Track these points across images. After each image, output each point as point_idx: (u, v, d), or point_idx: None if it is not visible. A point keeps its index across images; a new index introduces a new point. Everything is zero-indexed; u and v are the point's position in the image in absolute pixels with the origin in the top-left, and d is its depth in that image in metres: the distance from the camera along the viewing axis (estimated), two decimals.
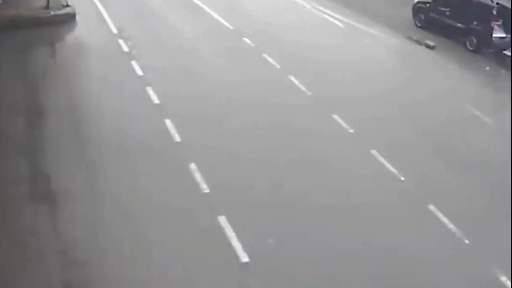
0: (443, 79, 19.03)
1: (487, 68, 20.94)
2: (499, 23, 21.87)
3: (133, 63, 17.51)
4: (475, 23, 22.23)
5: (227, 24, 21.57)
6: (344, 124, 14.75)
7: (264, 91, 16.33)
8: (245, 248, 10.18)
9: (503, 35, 21.89)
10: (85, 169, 12.28)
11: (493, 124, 16.01)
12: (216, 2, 24.04)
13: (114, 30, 20.29)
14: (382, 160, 13.31)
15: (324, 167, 12.98)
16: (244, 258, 10.02)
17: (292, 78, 17.20)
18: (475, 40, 22.25)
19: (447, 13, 23.42)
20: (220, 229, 10.64)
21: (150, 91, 15.78)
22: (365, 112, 15.53)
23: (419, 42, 22.53)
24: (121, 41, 19.17)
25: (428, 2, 24.47)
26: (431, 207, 11.82)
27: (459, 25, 22.79)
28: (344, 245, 10.59)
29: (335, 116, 15.08)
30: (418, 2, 25.01)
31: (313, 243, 10.56)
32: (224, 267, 9.84)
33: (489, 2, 22.20)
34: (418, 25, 24.51)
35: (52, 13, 20.91)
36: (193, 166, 12.48)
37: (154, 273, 9.55)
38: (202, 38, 20.46)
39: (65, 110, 14.74)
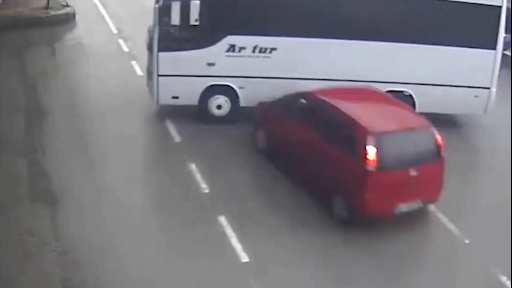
0: None
1: None
2: None
3: (133, 63, 17.52)
4: None
5: None
6: None
7: None
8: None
9: (503, 35, 21.82)
10: (85, 168, 12.28)
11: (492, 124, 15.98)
12: None
13: (114, 30, 20.31)
14: None
15: None
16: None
17: None
18: None
19: None
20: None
21: None
22: None
23: None
24: (121, 41, 19.19)
25: None
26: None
27: None
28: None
29: None
30: None
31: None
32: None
33: None
34: None
35: (52, 13, 20.95)
36: (193, 166, 12.52)
37: (154, 273, 9.55)
38: None
39: (65, 110, 14.75)
